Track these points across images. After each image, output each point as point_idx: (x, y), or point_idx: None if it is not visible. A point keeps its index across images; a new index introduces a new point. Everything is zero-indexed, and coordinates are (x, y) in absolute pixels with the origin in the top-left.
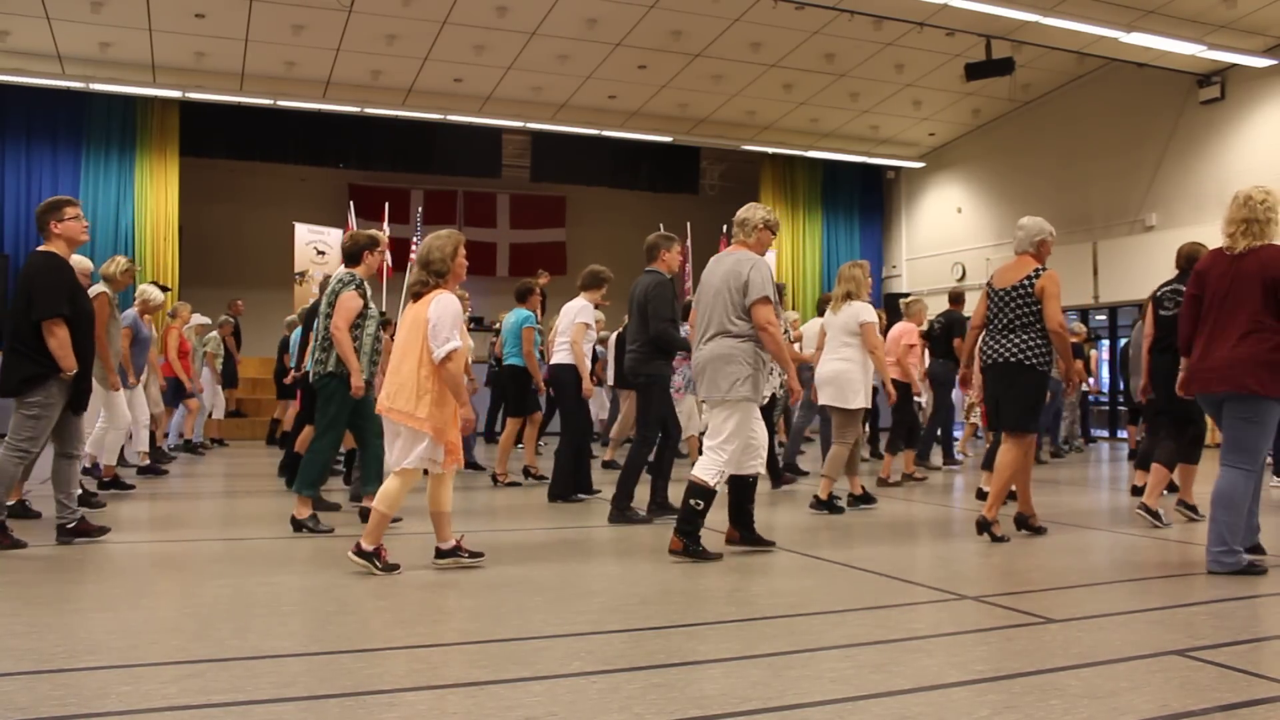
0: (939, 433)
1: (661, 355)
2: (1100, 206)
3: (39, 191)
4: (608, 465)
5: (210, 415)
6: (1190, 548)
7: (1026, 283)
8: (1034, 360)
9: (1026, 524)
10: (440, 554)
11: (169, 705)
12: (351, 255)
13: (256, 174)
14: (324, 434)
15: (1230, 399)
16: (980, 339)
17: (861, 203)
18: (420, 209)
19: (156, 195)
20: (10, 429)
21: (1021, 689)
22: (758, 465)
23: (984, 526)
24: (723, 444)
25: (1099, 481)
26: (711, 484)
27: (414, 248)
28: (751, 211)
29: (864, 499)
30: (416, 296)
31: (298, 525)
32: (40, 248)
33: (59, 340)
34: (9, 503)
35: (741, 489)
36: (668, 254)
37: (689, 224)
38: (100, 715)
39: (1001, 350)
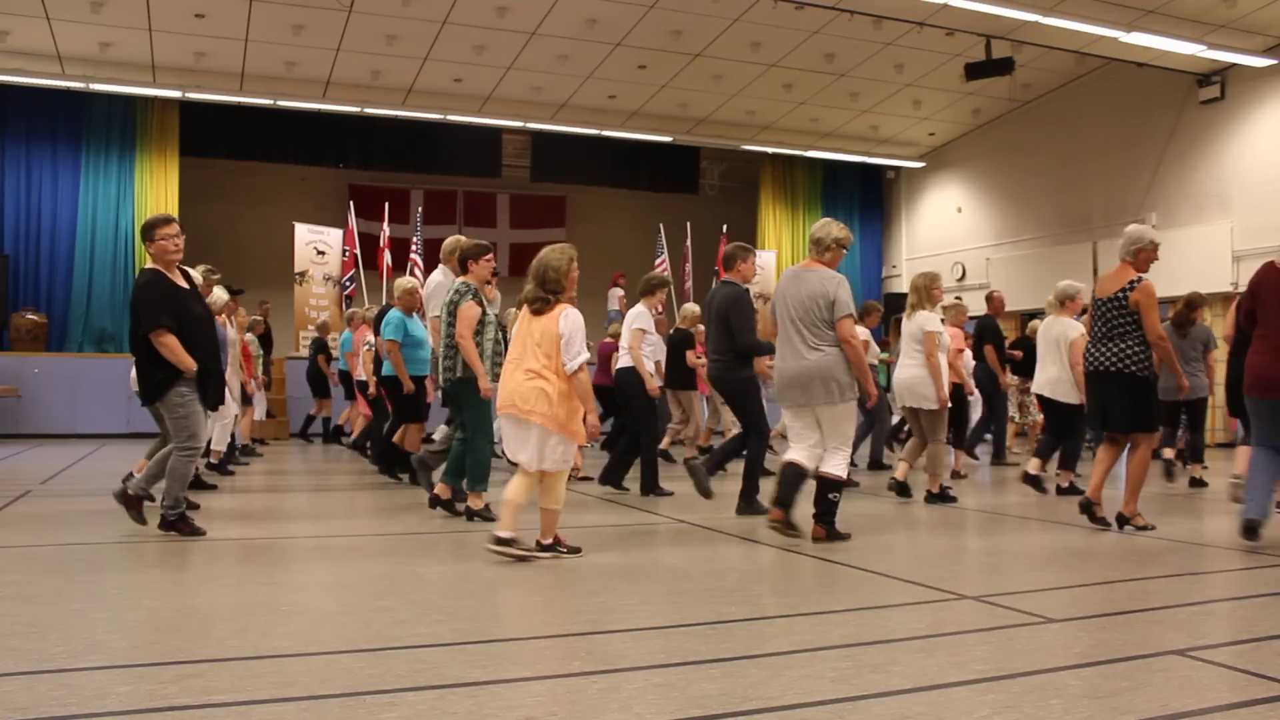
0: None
1: (746, 361)
2: (1100, 206)
3: (39, 191)
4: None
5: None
6: (1191, 548)
7: (1122, 294)
8: (1133, 368)
9: (1129, 521)
10: (541, 547)
11: (169, 705)
12: (461, 264)
13: (256, 174)
14: (476, 433)
15: None
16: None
17: (861, 203)
18: (420, 209)
19: (156, 195)
20: (172, 434)
21: (1022, 689)
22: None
23: (1124, 521)
24: (845, 442)
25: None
26: (844, 475)
27: (414, 247)
28: (825, 231)
29: (943, 496)
30: (538, 312)
31: (471, 515)
32: (146, 265)
33: (169, 348)
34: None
35: (830, 487)
36: (744, 265)
37: (689, 224)
38: (100, 715)
39: (1102, 358)
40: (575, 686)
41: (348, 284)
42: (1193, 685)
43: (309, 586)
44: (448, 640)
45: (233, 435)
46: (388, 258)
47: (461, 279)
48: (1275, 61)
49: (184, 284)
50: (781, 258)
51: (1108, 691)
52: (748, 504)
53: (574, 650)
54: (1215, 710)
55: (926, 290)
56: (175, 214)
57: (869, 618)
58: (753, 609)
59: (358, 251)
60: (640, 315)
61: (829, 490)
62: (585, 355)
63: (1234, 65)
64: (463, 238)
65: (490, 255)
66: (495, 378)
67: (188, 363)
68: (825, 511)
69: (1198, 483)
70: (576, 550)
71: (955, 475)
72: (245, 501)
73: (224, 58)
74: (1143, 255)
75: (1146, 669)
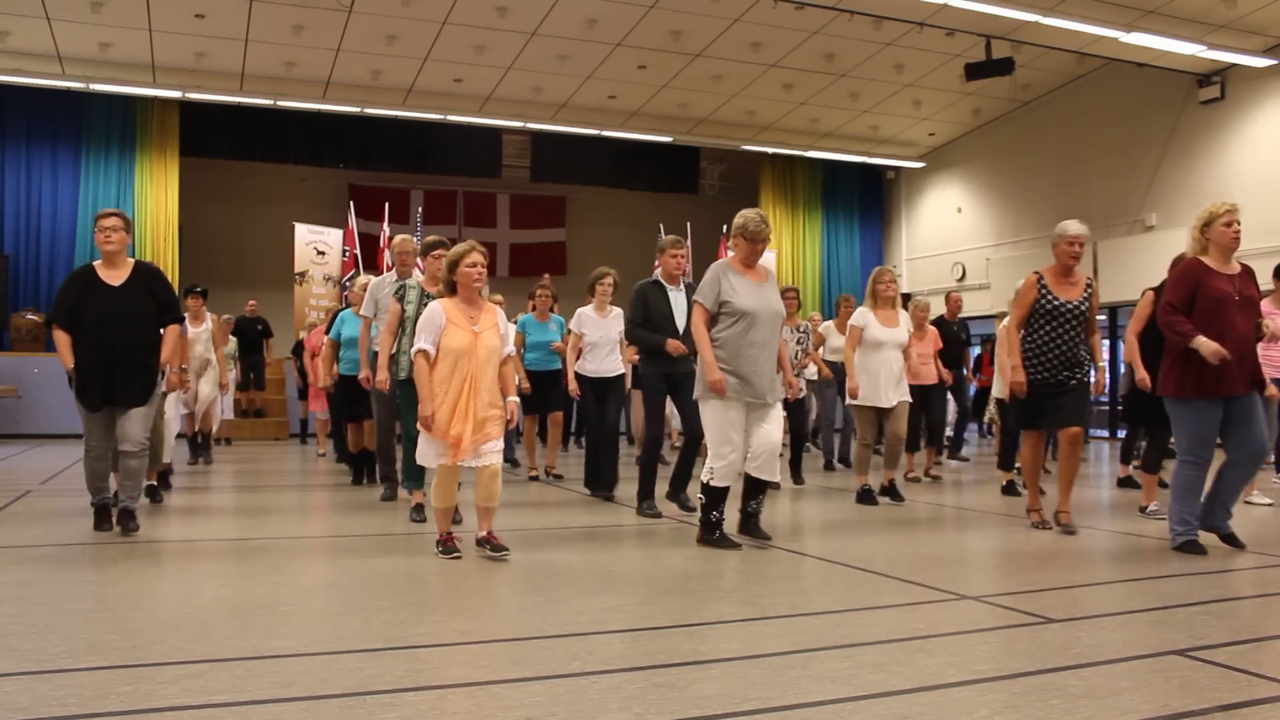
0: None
1: (649, 356)
2: (1100, 206)
3: (39, 191)
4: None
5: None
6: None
7: None
8: (1024, 366)
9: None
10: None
11: (169, 705)
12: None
13: (256, 174)
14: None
15: None
16: None
17: (861, 203)
18: (420, 209)
19: (156, 195)
20: None
21: (1022, 689)
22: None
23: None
24: (710, 443)
25: (1099, 479)
26: (703, 479)
27: (414, 247)
28: (735, 218)
29: (888, 493)
30: None
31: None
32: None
33: (56, 343)
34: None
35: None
36: (661, 256)
37: (689, 224)
38: (101, 715)
39: None
40: (575, 686)
41: (348, 284)
42: (1193, 685)
43: (308, 586)
44: (448, 640)
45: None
46: (388, 258)
47: (408, 278)
48: (1275, 61)
49: (114, 280)
50: (782, 259)
51: (1108, 691)
52: (639, 504)
53: (574, 650)
54: (1215, 710)
55: (870, 286)
56: (176, 214)
57: (869, 618)
58: (753, 609)
59: (358, 252)
60: (578, 317)
61: (701, 493)
62: (419, 345)
63: (1234, 65)
64: (410, 237)
65: (438, 251)
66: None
67: (65, 360)
68: (702, 514)
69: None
70: (450, 552)
71: (916, 477)
72: (241, 502)
73: (224, 58)
74: (1055, 251)
75: (1146, 669)
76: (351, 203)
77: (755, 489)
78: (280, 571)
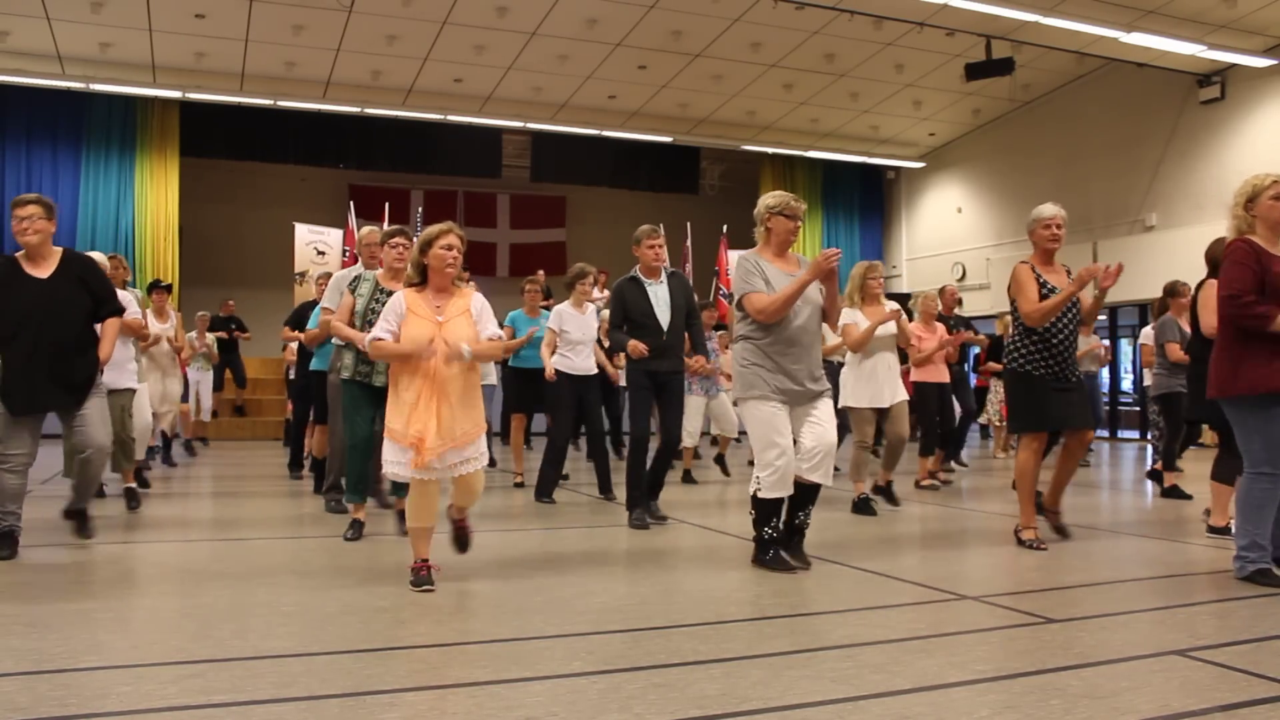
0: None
1: (629, 358)
2: (1100, 206)
3: (39, 191)
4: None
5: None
6: (1190, 548)
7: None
8: (1011, 364)
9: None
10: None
11: (169, 705)
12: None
13: (256, 174)
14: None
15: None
16: None
17: (861, 203)
18: (420, 209)
19: (156, 195)
20: None
21: (1022, 689)
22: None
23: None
24: (757, 451)
25: (1100, 482)
26: (750, 490)
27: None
28: (757, 206)
29: (883, 496)
30: None
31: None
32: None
33: None
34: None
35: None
36: (637, 248)
37: (689, 224)
38: (100, 715)
39: None
40: (575, 686)
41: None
42: (1193, 685)
43: (308, 587)
44: (448, 640)
45: (163, 432)
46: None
47: (367, 270)
48: (1275, 61)
49: (41, 272)
50: None
51: (1108, 691)
52: (630, 513)
53: (574, 650)
54: (1215, 710)
55: (859, 280)
56: (176, 214)
57: (869, 618)
58: (753, 609)
59: (358, 252)
60: (557, 314)
61: (751, 508)
62: (374, 334)
63: (1234, 65)
64: (376, 229)
65: (395, 239)
66: (359, 375)
67: None
68: (754, 529)
69: (1174, 492)
70: (422, 584)
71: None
72: (235, 505)
73: (224, 58)
74: (1033, 238)
75: (1146, 669)
76: (351, 203)
77: (805, 498)
78: (280, 572)
